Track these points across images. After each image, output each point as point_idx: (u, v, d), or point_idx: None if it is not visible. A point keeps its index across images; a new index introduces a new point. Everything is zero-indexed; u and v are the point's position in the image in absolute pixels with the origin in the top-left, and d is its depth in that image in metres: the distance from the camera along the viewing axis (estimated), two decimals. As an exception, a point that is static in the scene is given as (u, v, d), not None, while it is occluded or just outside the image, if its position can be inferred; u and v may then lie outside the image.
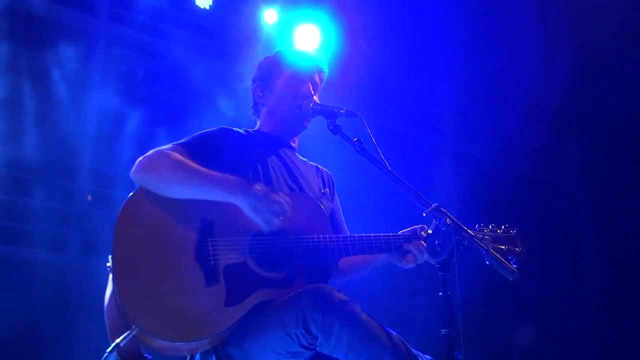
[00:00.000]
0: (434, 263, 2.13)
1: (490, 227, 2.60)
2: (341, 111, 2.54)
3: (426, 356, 2.27)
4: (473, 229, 2.50)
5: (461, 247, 2.04)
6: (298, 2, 6.81)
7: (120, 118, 5.90)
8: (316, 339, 2.16)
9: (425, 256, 2.57)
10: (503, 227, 2.61)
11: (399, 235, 2.62)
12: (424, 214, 2.25)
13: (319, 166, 2.99)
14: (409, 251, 2.59)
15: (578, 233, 9.87)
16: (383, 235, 2.58)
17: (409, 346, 2.19)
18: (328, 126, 2.58)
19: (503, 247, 2.53)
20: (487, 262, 1.98)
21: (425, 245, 2.57)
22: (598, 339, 8.65)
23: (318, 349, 2.20)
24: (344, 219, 2.94)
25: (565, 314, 8.45)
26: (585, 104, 8.85)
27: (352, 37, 7.35)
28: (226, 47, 6.63)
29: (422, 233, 2.61)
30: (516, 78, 8.56)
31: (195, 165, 2.39)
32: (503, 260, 1.97)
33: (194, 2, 6.35)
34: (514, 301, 7.77)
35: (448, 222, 2.07)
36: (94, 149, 5.91)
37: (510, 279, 1.95)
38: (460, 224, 2.10)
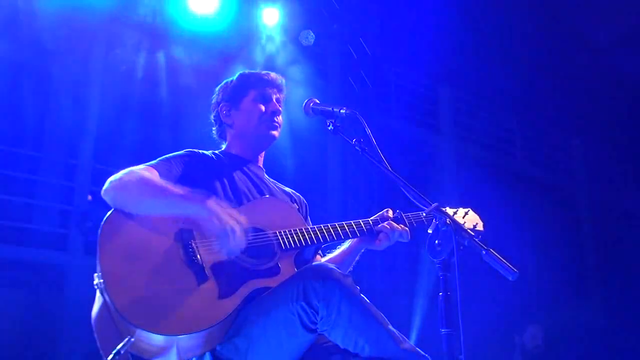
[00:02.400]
0: (435, 262, 2.12)
1: (447, 208, 2.79)
2: (341, 111, 2.56)
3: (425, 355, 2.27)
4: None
5: (461, 247, 2.05)
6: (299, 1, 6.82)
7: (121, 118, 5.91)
8: (317, 312, 2.19)
9: (396, 234, 2.71)
10: (459, 208, 2.84)
11: (368, 220, 2.76)
12: (424, 214, 2.25)
13: (292, 190, 3.07)
14: (380, 231, 2.72)
15: (578, 233, 9.88)
16: (354, 222, 2.72)
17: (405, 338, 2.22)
18: (328, 126, 2.61)
19: (469, 226, 2.71)
20: (488, 262, 1.97)
21: (395, 224, 2.71)
22: (598, 339, 8.66)
23: (319, 326, 2.22)
24: None
25: (565, 314, 8.46)
26: (587, 103, 8.85)
27: (353, 37, 7.36)
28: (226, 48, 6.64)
29: (389, 214, 2.76)
30: (517, 77, 8.56)
31: (161, 181, 2.48)
32: (503, 260, 1.97)
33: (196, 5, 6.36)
34: (514, 301, 7.78)
35: (448, 222, 2.07)
36: (95, 148, 5.92)
37: (511, 278, 1.95)
38: (460, 224, 2.10)
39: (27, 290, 5.25)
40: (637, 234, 8.73)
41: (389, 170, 2.35)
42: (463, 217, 2.78)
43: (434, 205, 2.15)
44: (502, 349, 7.15)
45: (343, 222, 2.69)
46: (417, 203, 2.23)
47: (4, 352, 5.05)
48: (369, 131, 2.44)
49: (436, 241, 2.10)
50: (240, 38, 6.71)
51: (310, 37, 6.81)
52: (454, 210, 2.83)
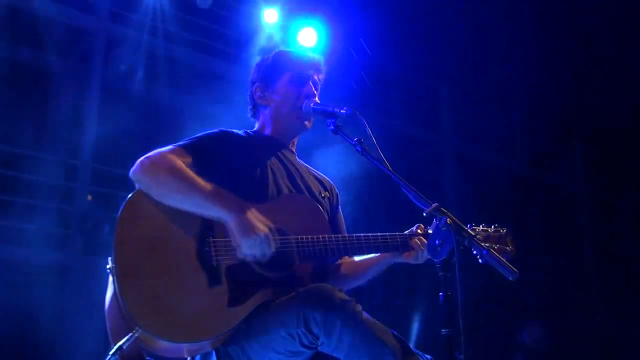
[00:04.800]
0: (436, 263, 2.12)
1: (481, 226, 2.62)
2: (341, 111, 2.53)
3: (426, 356, 2.27)
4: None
5: (461, 247, 2.04)
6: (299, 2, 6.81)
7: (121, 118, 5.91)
8: (317, 338, 2.16)
9: (426, 253, 2.53)
10: (493, 226, 2.63)
11: (397, 234, 2.61)
12: (425, 214, 2.25)
13: (322, 175, 2.95)
14: (411, 248, 2.58)
15: (578, 232, 9.88)
16: (381, 235, 2.57)
17: (410, 346, 2.19)
18: (328, 126, 2.57)
19: (495, 246, 2.55)
20: (488, 263, 1.97)
21: (425, 241, 2.56)
22: (598, 338, 8.66)
23: (319, 348, 2.20)
24: (345, 229, 2.88)
25: (565, 313, 8.46)
26: (587, 103, 8.85)
27: (353, 37, 7.36)
28: (226, 46, 6.64)
29: (419, 230, 2.62)
30: (517, 78, 8.56)
31: (193, 175, 2.38)
32: (503, 260, 1.96)
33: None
34: (514, 301, 7.77)
35: (448, 222, 2.06)
36: (95, 148, 5.92)
37: (511, 279, 1.94)
38: (460, 224, 2.09)
39: (27, 290, 5.24)
40: (637, 233, 8.73)
41: (389, 170, 2.34)
42: (493, 234, 2.58)
43: (434, 205, 2.14)
44: (502, 349, 7.15)
45: (369, 234, 2.55)
46: (417, 203, 2.22)
47: (4, 352, 5.05)
48: (369, 131, 2.42)
49: (436, 241, 2.10)
50: (239, 36, 6.71)
51: None
52: (486, 226, 2.63)
